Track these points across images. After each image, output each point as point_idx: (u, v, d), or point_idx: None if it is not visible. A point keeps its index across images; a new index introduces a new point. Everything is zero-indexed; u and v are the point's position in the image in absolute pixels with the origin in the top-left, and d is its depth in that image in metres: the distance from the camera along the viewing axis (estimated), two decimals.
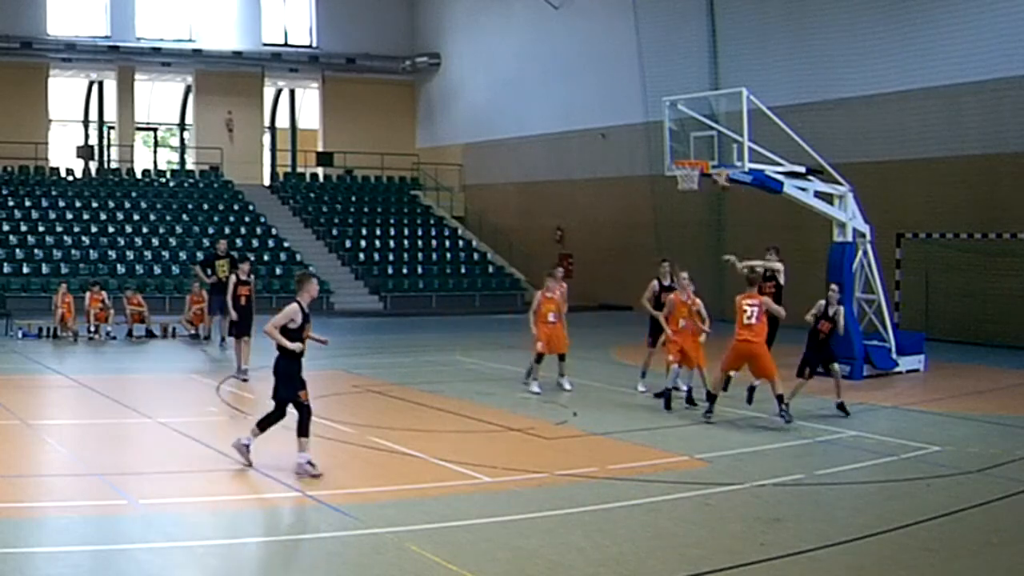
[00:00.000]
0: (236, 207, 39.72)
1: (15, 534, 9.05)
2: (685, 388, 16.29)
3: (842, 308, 16.08)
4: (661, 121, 21.26)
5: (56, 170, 39.74)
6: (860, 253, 20.36)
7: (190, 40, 41.70)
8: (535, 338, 17.50)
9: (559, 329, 17.53)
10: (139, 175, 41.05)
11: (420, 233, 40.21)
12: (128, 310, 25.82)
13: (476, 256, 39.95)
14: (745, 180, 19.69)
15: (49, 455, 12.82)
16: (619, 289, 32.94)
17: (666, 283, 17.88)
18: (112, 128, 42.47)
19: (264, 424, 11.67)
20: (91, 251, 34.82)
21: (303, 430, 11.32)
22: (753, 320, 14.58)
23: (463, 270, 38.82)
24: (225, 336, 23.24)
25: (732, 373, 15.27)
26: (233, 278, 19.12)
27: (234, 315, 18.75)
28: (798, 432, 14.32)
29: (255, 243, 37.37)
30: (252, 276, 19.39)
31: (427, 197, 42.96)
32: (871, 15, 27.74)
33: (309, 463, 11.25)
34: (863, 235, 20.41)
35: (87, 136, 43.94)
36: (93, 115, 43.99)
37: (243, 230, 38.02)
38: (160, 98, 45.03)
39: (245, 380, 17.96)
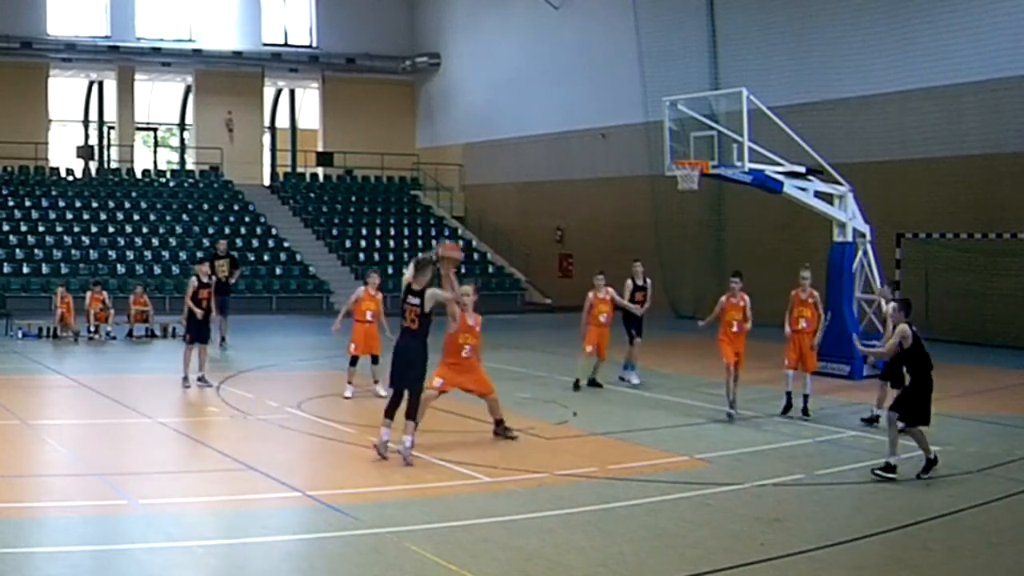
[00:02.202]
0: (236, 207, 39.70)
1: (15, 534, 9.04)
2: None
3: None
4: (661, 121, 21.28)
5: (56, 170, 39.74)
6: (860, 253, 20.35)
7: (190, 40, 41.68)
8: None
9: (374, 330, 17.26)
10: (139, 175, 41.04)
11: (420, 233, 40.19)
12: (133, 309, 25.75)
13: (476, 256, 39.92)
14: (745, 180, 19.70)
15: (49, 455, 12.81)
16: (619, 289, 32.77)
17: (639, 283, 18.82)
18: (112, 128, 42.47)
19: (393, 412, 12.11)
20: (91, 251, 34.82)
21: (412, 414, 12.00)
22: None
23: (463, 270, 38.74)
24: (225, 336, 23.28)
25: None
26: (193, 280, 17.85)
27: (199, 313, 17.40)
28: (798, 432, 14.33)
29: (255, 243, 37.36)
30: (213, 278, 18.03)
31: (427, 197, 42.94)
32: (871, 15, 27.75)
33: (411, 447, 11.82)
34: (863, 235, 20.40)
35: (87, 136, 43.94)
36: (93, 115, 44.00)
37: (243, 230, 38.00)
38: (160, 98, 45.03)
39: (208, 386, 17.37)
